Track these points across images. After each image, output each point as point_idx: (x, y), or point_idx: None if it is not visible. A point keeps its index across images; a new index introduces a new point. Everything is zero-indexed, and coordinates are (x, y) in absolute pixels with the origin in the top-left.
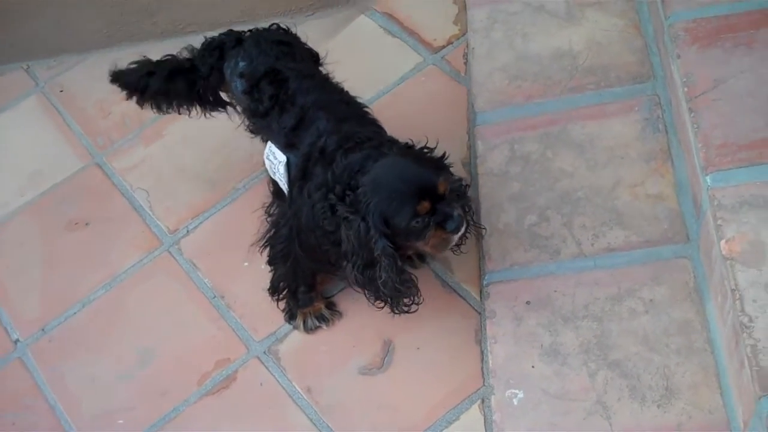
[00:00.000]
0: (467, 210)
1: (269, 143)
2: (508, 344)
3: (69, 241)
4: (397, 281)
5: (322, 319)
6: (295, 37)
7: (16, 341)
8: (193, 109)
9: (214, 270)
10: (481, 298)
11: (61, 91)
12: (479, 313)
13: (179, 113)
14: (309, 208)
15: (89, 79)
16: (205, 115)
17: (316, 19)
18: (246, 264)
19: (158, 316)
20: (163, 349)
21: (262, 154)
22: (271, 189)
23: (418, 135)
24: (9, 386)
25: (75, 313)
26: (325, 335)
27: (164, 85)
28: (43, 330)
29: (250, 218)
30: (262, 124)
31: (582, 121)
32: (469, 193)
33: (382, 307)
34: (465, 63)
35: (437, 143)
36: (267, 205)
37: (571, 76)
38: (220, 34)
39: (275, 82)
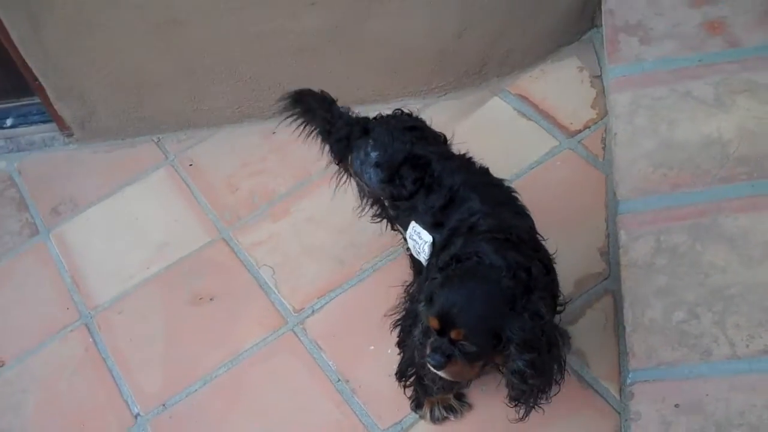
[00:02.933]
0: (519, 369)
1: (413, 224)
2: None
3: (192, 315)
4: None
5: (451, 410)
6: (423, 122)
7: (137, 415)
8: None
9: (339, 352)
10: (621, 397)
11: (191, 165)
12: (619, 413)
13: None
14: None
15: (219, 153)
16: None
17: (447, 100)
18: (372, 348)
19: (280, 398)
20: None
21: (389, 234)
22: (412, 268)
23: (553, 221)
24: None
25: (196, 389)
26: (454, 427)
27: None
28: (164, 406)
29: (377, 300)
30: (405, 206)
31: (734, 214)
32: (606, 286)
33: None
34: (603, 148)
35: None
36: (408, 284)
37: (721, 165)
38: (345, 122)
39: (418, 166)
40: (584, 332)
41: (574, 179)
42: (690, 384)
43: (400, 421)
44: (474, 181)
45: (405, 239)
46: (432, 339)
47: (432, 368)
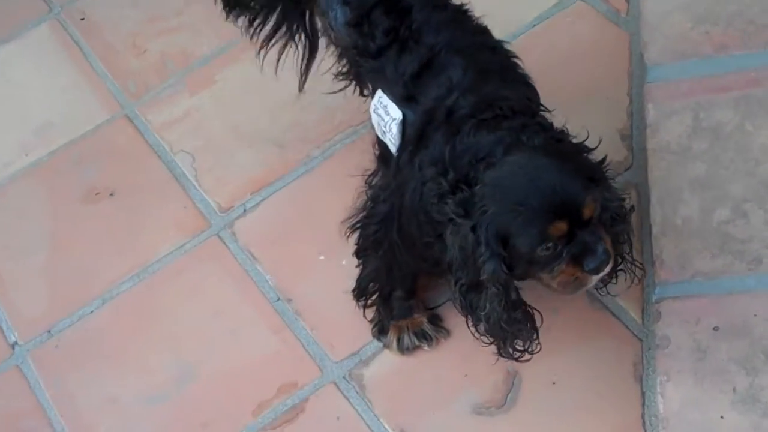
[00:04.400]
0: (622, 241)
1: (379, 93)
2: (686, 384)
3: (86, 215)
4: (505, 318)
5: (423, 336)
6: None
7: (14, 344)
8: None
9: (279, 264)
10: (643, 319)
11: (83, 18)
12: (641, 340)
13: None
14: (417, 184)
15: (120, 3)
16: (289, 44)
17: None
18: (321, 258)
19: (201, 322)
20: (208, 366)
21: (348, 110)
22: (377, 152)
23: (560, 94)
24: (3, 404)
25: (92, 311)
26: (428, 358)
27: None
28: (49, 332)
29: (329, 196)
30: (372, 66)
31: None
32: (628, 177)
33: (488, 344)
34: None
35: (600, 141)
36: (369, 173)
37: None
38: None
39: (394, 11)
40: None
41: (588, 39)
42: (733, 301)
43: (358, 351)
44: (462, 41)
45: None
46: (564, 247)
47: (593, 276)
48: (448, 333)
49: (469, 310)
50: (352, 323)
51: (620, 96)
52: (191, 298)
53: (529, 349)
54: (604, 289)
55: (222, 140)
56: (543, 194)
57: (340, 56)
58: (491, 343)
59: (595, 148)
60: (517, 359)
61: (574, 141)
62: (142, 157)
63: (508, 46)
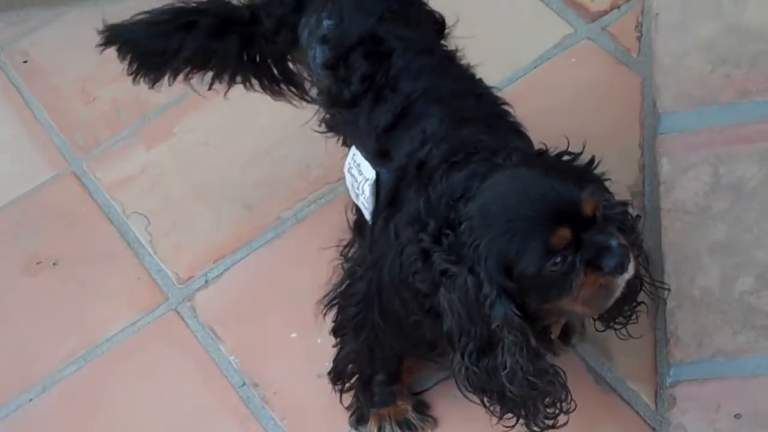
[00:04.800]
0: (637, 254)
1: (353, 150)
2: None
3: (26, 288)
4: (532, 371)
5: (408, 426)
6: None
7: None
8: (247, 82)
9: (245, 343)
10: (657, 404)
11: (25, 61)
12: (654, 429)
13: (219, 83)
14: (396, 254)
15: (68, 45)
16: (266, 91)
17: None
18: (294, 336)
19: (158, 411)
20: None
21: (325, 164)
22: (352, 218)
23: (561, 144)
24: None
25: (31, 399)
26: None
27: (207, 42)
28: None
29: (302, 264)
30: (345, 117)
31: None
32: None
33: (513, 426)
34: (639, 38)
35: (584, 145)
36: (344, 244)
37: None
38: None
39: (373, 55)
40: None
41: (594, 83)
42: (758, 384)
43: None
44: (443, 89)
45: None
46: (575, 255)
47: (619, 277)
48: (435, 422)
49: (486, 382)
50: (328, 412)
51: (631, 147)
52: (145, 382)
53: (565, 408)
54: (624, 330)
55: (181, 201)
56: (534, 204)
57: (321, 104)
58: (518, 419)
59: (581, 153)
60: (552, 427)
61: (555, 152)
62: (90, 220)
63: (499, 93)
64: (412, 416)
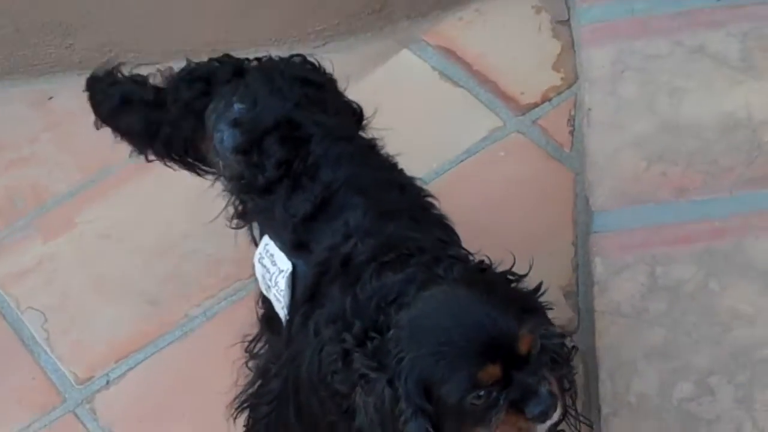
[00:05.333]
0: (564, 388)
1: (265, 239)
2: None
3: None
4: None
5: None
6: (330, 80)
7: None
8: (163, 159)
9: None
10: None
11: None
12: None
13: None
14: (314, 351)
15: None
16: (185, 168)
17: (329, 53)
18: None
19: None
20: None
21: (235, 259)
22: (261, 312)
23: (490, 242)
24: None
25: None
26: None
27: (115, 114)
28: None
29: (212, 364)
30: (258, 205)
31: None
32: (573, 344)
33: None
34: (571, 132)
35: (530, 267)
36: (250, 339)
37: (749, 160)
38: (211, 59)
39: (290, 140)
40: None
41: (525, 178)
42: None
43: None
44: (365, 179)
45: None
46: (500, 393)
47: (540, 424)
48: None
49: None
50: None
51: (564, 246)
52: None
53: None
54: None
55: (81, 296)
56: (468, 332)
57: (231, 191)
58: None
59: (526, 275)
60: None
61: (499, 270)
62: None
63: (426, 186)
64: None
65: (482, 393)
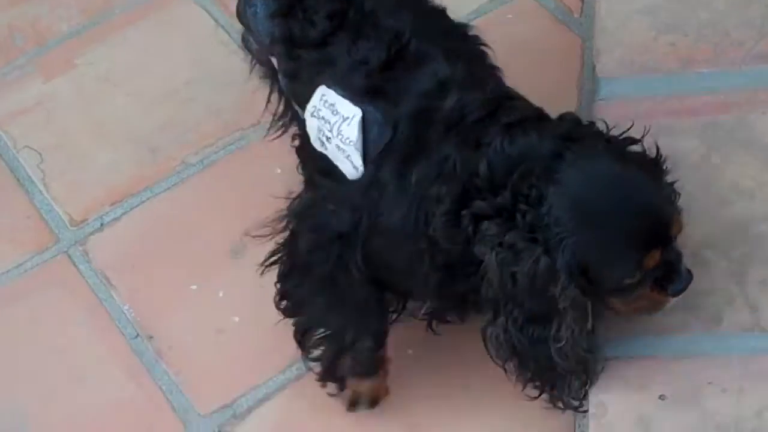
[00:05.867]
0: None
1: (322, 89)
2: None
3: None
4: (585, 347)
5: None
6: None
7: None
8: None
9: (141, 292)
10: None
11: None
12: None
13: None
14: (414, 204)
15: None
16: None
17: None
18: (194, 287)
19: (42, 361)
20: (47, 416)
21: (237, 108)
22: (306, 171)
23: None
24: None
25: None
26: (317, 419)
27: None
28: None
29: (206, 211)
30: (313, 58)
31: None
32: None
33: (537, 397)
34: None
35: (648, 130)
36: (293, 197)
37: (761, 35)
38: None
39: None
40: None
41: (531, 41)
42: (685, 365)
43: (231, 404)
44: (429, 27)
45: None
46: (647, 272)
47: (674, 299)
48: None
49: (528, 349)
50: (226, 369)
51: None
52: (29, 330)
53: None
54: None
55: (79, 138)
56: (632, 215)
57: (263, 74)
58: (543, 392)
59: (641, 139)
60: (577, 407)
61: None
62: None
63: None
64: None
65: (637, 274)
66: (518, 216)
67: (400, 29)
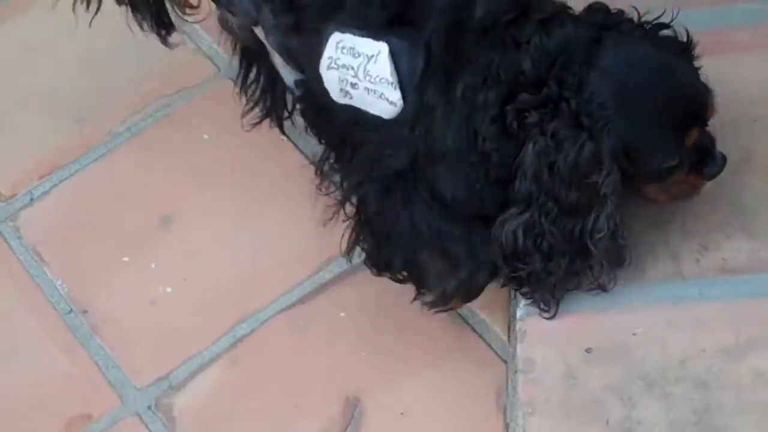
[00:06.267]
0: None
1: (336, 36)
2: (553, 417)
3: None
4: (624, 235)
5: None
6: None
7: None
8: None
9: (73, 267)
10: (509, 337)
11: None
12: (505, 362)
13: None
14: (462, 117)
15: None
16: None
17: None
18: (126, 260)
19: None
20: None
21: (163, 75)
22: (333, 132)
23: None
24: None
25: None
26: (253, 385)
27: None
28: None
29: (136, 181)
30: (317, 4)
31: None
32: None
33: (571, 289)
34: None
35: (677, 13)
36: (321, 159)
37: None
38: None
39: None
40: None
41: None
42: (610, 318)
43: (167, 376)
44: None
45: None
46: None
47: (708, 182)
48: None
49: (561, 243)
50: (161, 340)
51: None
52: None
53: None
54: None
55: (3, 111)
56: (673, 98)
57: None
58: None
59: (671, 22)
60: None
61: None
62: None
63: None
64: None
65: (677, 156)
66: (563, 104)
67: None
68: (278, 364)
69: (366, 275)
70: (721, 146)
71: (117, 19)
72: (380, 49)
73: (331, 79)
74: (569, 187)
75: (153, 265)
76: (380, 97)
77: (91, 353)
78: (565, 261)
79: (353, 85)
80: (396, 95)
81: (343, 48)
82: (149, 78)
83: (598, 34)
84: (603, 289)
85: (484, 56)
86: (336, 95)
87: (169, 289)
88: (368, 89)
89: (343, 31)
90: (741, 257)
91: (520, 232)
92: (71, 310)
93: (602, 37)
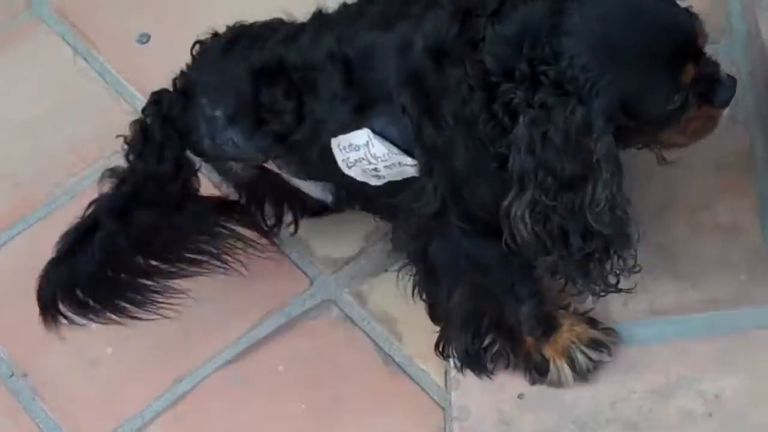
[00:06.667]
0: None
1: (333, 142)
2: None
3: None
4: (622, 205)
5: (599, 345)
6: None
7: None
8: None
9: (12, 330)
10: (447, 384)
11: None
12: (443, 409)
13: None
14: (461, 137)
15: None
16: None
17: None
18: (64, 321)
19: None
20: None
21: (97, 140)
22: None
23: None
24: None
25: None
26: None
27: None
28: None
29: None
30: (304, 133)
31: None
32: None
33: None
34: None
35: None
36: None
37: None
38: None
39: (274, 75)
40: (389, 287)
41: None
42: None
43: None
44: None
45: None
46: (689, 90)
47: (724, 110)
48: (614, 332)
49: (562, 221)
50: (102, 400)
51: None
52: None
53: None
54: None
55: None
56: (655, 35)
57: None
58: (575, 279)
59: None
60: (614, 288)
61: None
62: None
63: None
64: (597, 334)
65: (678, 95)
66: (542, 78)
67: (331, 49)
68: (220, 419)
69: (304, 328)
70: (642, 190)
71: (54, 81)
72: (367, 135)
73: (357, 173)
74: (564, 156)
75: (93, 326)
76: (399, 165)
77: (33, 416)
78: (578, 241)
79: (375, 169)
80: (408, 158)
81: (343, 148)
82: (87, 142)
83: (556, 3)
84: (631, 270)
85: (452, 78)
86: (372, 180)
87: (109, 350)
88: (386, 166)
89: (335, 135)
90: (668, 299)
91: (527, 217)
92: (12, 374)
93: (561, 5)
